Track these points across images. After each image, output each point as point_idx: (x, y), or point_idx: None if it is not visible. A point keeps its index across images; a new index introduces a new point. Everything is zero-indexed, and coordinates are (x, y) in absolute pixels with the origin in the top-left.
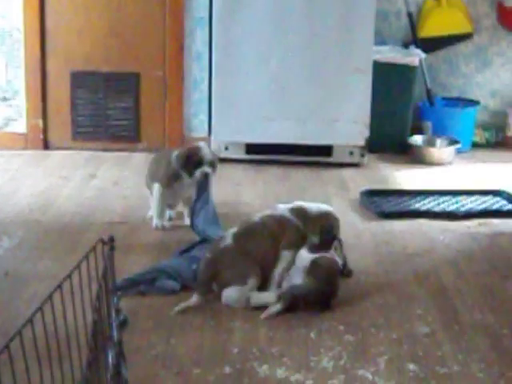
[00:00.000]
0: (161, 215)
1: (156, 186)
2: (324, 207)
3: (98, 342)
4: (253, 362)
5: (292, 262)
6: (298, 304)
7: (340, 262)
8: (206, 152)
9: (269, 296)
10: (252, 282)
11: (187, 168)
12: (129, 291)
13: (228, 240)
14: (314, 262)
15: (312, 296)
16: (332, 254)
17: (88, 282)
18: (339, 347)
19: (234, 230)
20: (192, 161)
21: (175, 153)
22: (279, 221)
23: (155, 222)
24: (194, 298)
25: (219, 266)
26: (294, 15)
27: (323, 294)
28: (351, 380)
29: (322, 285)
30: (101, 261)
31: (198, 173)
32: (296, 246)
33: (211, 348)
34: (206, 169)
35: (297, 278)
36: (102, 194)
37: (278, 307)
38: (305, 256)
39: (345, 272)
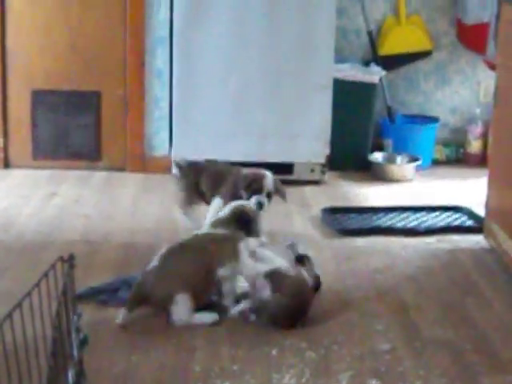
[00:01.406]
0: None
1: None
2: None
3: (58, 360)
4: (215, 380)
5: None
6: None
7: (309, 278)
8: (269, 182)
9: (209, 317)
10: (181, 298)
11: (246, 191)
12: (90, 299)
13: (153, 262)
14: (275, 276)
15: (281, 312)
16: (299, 270)
17: (48, 300)
18: (301, 364)
19: (161, 250)
20: (253, 187)
21: (242, 172)
22: (214, 238)
23: None
24: (121, 314)
25: (146, 288)
26: (254, 33)
27: (292, 311)
28: None
29: (291, 301)
30: (61, 279)
31: (253, 200)
32: (234, 260)
33: (173, 367)
34: (262, 198)
35: (264, 292)
36: (62, 212)
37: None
38: (251, 266)
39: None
